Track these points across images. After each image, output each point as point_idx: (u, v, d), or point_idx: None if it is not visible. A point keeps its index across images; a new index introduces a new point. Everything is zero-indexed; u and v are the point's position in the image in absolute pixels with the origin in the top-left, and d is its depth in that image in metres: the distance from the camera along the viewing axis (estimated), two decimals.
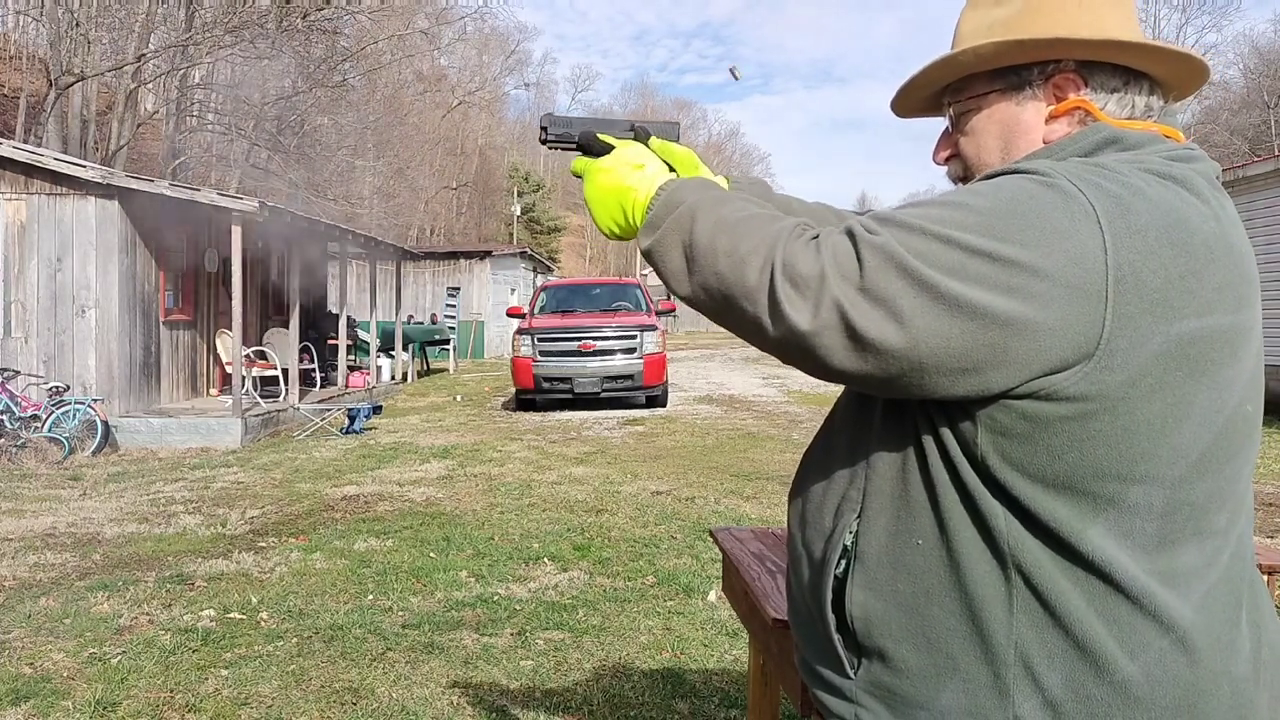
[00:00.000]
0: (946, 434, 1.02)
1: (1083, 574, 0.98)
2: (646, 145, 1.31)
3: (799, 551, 1.20)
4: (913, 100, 1.27)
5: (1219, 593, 1.02)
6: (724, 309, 1.04)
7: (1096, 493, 0.97)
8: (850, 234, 0.98)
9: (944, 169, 1.25)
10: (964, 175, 1.22)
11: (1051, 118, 1.14)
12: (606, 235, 1.24)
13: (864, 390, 1.05)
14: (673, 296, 1.14)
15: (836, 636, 1.12)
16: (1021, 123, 1.15)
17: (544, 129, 1.38)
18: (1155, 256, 0.94)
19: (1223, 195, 1.06)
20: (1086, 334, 0.93)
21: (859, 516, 1.10)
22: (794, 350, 0.99)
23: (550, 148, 1.39)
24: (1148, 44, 1.10)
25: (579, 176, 1.27)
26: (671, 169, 1.26)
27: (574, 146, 1.37)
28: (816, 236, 1.00)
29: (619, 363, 13.40)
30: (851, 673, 1.11)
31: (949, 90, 1.22)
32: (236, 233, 10.92)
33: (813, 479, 1.20)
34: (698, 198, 1.11)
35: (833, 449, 1.19)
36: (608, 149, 1.26)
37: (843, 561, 1.11)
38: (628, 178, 1.21)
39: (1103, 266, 0.93)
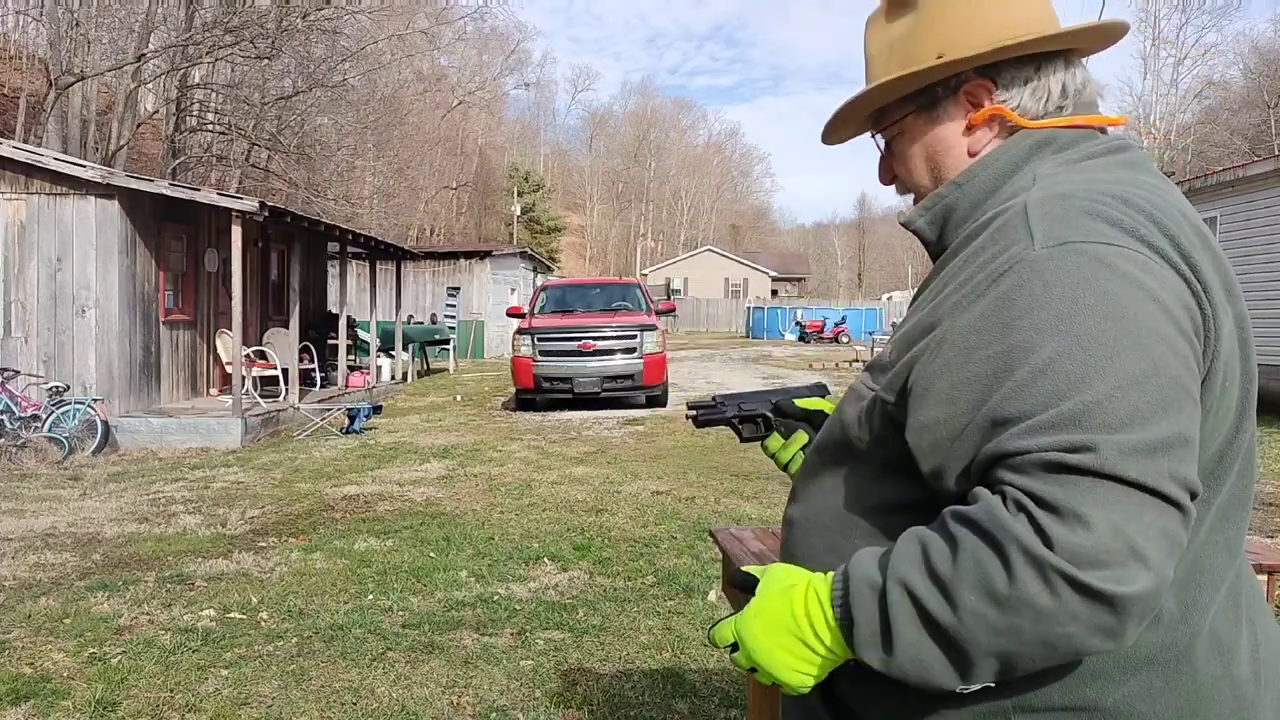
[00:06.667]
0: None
1: None
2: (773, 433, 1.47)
3: None
4: (842, 134, 1.28)
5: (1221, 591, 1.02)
6: (1040, 655, 0.87)
7: None
8: (1057, 468, 0.85)
9: (892, 188, 1.27)
10: (909, 193, 1.23)
11: (969, 128, 1.13)
12: (800, 689, 1.01)
13: None
14: (960, 689, 0.92)
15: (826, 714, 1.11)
16: (942, 140, 1.15)
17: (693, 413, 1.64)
18: (1202, 255, 0.98)
19: None
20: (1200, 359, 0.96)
21: None
22: (1151, 613, 0.86)
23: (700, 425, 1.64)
24: (1034, 38, 1.09)
25: (734, 649, 1.04)
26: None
27: (721, 422, 1.57)
28: (1028, 508, 0.85)
29: (619, 362, 13.40)
30: None
31: (869, 119, 1.23)
32: (236, 233, 10.92)
33: (800, 550, 1.17)
34: (875, 567, 0.94)
35: (820, 521, 1.16)
36: (751, 583, 1.06)
37: None
38: (786, 608, 1.00)
39: (1195, 304, 0.95)
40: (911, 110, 1.16)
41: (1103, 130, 1.13)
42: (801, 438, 1.50)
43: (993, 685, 0.94)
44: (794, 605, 0.99)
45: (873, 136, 1.25)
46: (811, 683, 1.00)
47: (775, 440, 1.53)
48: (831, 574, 0.98)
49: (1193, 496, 0.86)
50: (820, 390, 1.56)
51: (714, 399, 1.62)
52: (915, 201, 1.22)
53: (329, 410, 12.08)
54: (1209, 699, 0.97)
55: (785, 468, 1.51)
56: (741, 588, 1.07)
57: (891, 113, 1.19)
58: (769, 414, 1.55)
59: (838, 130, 1.27)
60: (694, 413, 1.64)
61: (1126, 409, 0.85)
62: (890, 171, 1.24)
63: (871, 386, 1.10)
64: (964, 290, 0.99)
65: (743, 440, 1.58)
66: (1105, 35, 1.13)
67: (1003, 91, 1.11)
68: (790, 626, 0.98)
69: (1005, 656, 0.87)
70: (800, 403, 1.52)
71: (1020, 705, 0.96)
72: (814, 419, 1.51)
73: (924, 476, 0.99)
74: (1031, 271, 0.93)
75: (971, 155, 1.13)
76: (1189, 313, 0.93)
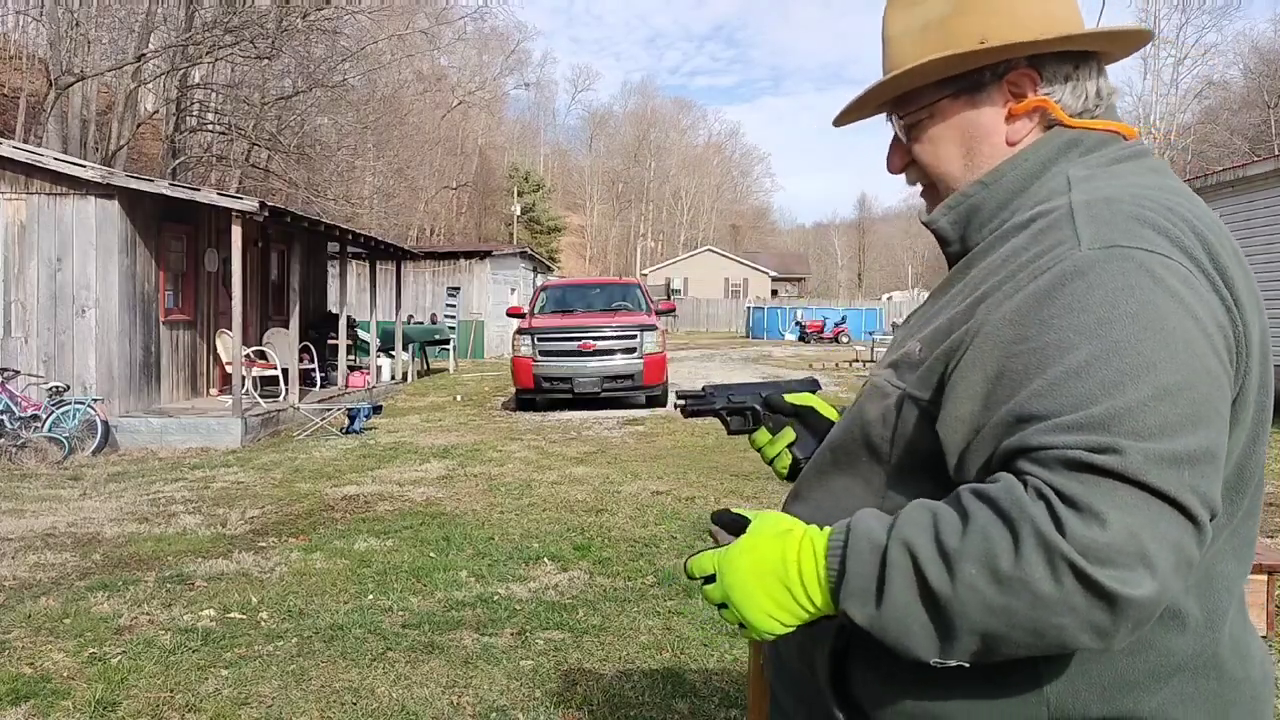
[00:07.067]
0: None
1: None
2: (773, 416, 1.42)
3: None
4: (857, 115, 1.25)
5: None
6: (1025, 642, 0.86)
7: None
8: (1080, 466, 0.84)
9: (901, 176, 1.23)
10: (926, 181, 1.19)
11: (1011, 117, 1.11)
12: (769, 635, 0.99)
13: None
14: (934, 661, 0.90)
15: (839, 715, 1.08)
16: (981, 126, 1.12)
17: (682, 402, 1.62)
18: (1236, 268, 0.98)
19: None
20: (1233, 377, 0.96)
21: None
22: (1147, 622, 0.85)
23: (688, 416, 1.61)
24: (1098, 31, 1.10)
25: (708, 580, 1.02)
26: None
27: (710, 413, 1.54)
28: (1048, 498, 0.84)
29: (619, 362, 13.40)
30: None
31: (892, 103, 1.19)
32: (236, 233, 10.92)
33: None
34: (880, 528, 0.93)
35: (831, 523, 1.11)
36: (740, 525, 1.04)
37: (844, 635, 1.05)
38: (778, 550, 0.98)
39: (1229, 321, 0.95)
40: (949, 93, 1.12)
41: (1124, 136, 1.13)
42: (789, 434, 1.46)
43: (1025, 691, 0.95)
44: (786, 550, 0.97)
45: (890, 119, 1.20)
46: (782, 631, 0.98)
47: (763, 435, 1.49)
48: (830, 528, 0.97)
49: (1212, 516, 0.86)
50: (812, 385, 1.53)
51: (704, 389, 1.61)
52: (927, 189, 1.19)
53: (329, 410, 12.08)
54: (1232, 701, 0.99)
55: (771, 463, 1.49)
56: (728, 528, 1.05)
57: (925, 95, 1.14)
58: (758, 407, 1.53)
59: (856, 111, 1.23)
60: (683, 402, 1.63)
61: (1157, 419, 0.85)
62: (904, 158, 1.19)
63: (898, 384, 1.07)
64: (1004, 288, 0.98)
65: (730, 432, 1.57)
66: (1135, 41, 1.14)
67: (1046, 85, 1.10)
68: (778, 570, 0.97)
69: (990, 637, 0.86)
70: (790, 398, 1.49)
71: (1057, 716, 0.96)
72: (804, 415, 1.47)
73: (949, 471, 0.98)
74: (1075, 271, 0.93)
75: (1010, 145, 1.11)
76: (1222, 331, 0.93)
